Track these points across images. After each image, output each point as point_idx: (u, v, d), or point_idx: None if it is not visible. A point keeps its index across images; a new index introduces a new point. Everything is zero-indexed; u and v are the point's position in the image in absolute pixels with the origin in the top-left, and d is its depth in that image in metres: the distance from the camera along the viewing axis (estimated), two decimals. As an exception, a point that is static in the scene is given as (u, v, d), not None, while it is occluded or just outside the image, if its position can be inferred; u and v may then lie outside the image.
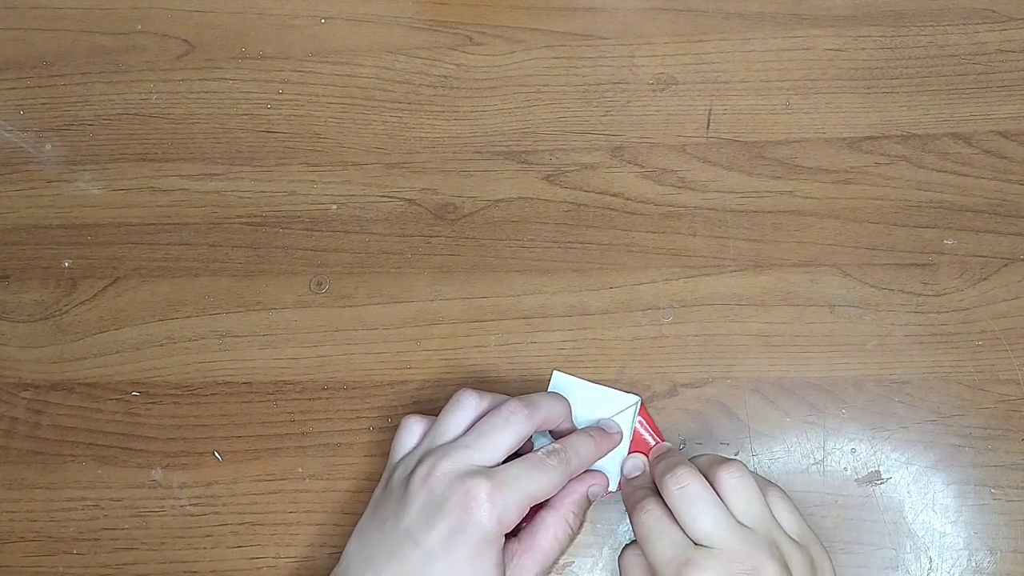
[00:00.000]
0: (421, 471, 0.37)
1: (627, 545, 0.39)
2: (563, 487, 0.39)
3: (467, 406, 0.39)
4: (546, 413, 0.40)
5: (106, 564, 0.46)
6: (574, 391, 0.44)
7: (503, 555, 0.37)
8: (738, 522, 0.36)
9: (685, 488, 0.37)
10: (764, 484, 0.39)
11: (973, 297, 0.45)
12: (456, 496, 0.36)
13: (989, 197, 0.47)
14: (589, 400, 0.44)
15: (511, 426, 0.38)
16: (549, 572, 0.40)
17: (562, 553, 0.40)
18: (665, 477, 0.38)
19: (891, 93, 0.49)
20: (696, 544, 0.36)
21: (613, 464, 0.43)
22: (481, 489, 0.36)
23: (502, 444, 0.38)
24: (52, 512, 0.47)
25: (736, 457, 0.44)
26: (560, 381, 0.45)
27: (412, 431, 0.41)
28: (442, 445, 0.38)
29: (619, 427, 0.43)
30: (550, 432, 0.42)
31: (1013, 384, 0.44)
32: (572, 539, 0.40)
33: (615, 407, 0.44)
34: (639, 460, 0.43)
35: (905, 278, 0.46)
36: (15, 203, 0.52)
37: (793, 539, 0.37)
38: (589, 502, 0.41)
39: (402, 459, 0.40)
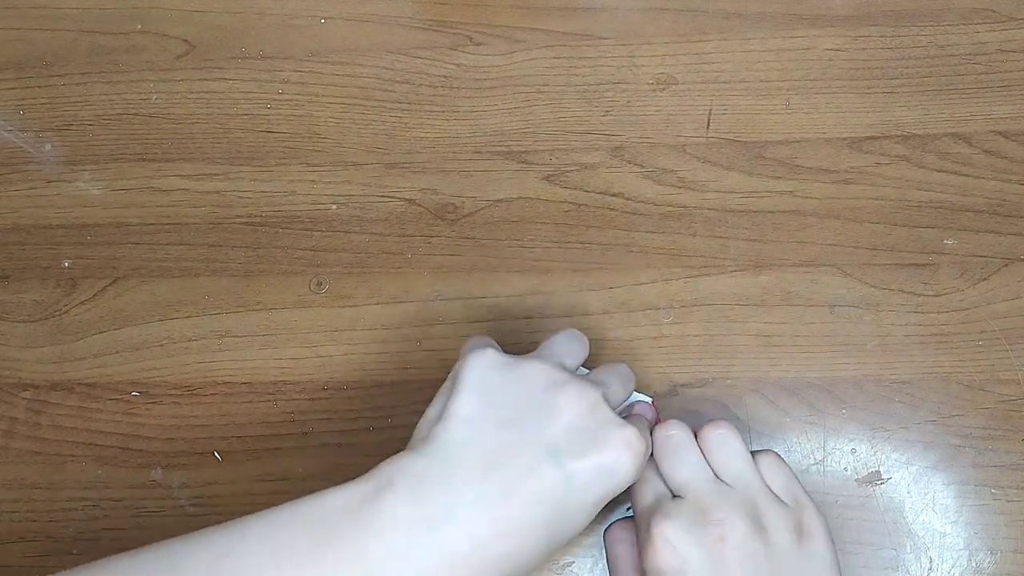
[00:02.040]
0: (585, 393, 0.35)
1: (613, 522, 0.40)
2: None
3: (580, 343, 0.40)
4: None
5: (106, 564, 0.46)
6: None
7: None
8: (716, 476, 0.36)
9: (670, 436, 0.37)
10: (758, 453, 0.38)
11: (973, 297, 0.45)
12: (616, 439, 0.34)
13: (989, 197, 0.47)
14: None
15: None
16: None
17: None
18: (656, 428, 0.38)
19: (891, 93, 0.49)
20: (673, 495, 0.36)
21: None
22: (640, 442, 0.34)
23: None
24: (52, 512, 0.47)
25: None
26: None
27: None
28: (595, 377, 0.39)
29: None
30: None
31: (1013, 384, 0.44)
32: None
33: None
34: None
35: (905, 278, 0.46)
36: (15, 203, 0.52)
37: (779, 499, 0.36)
38: None
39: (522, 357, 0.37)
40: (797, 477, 0.38)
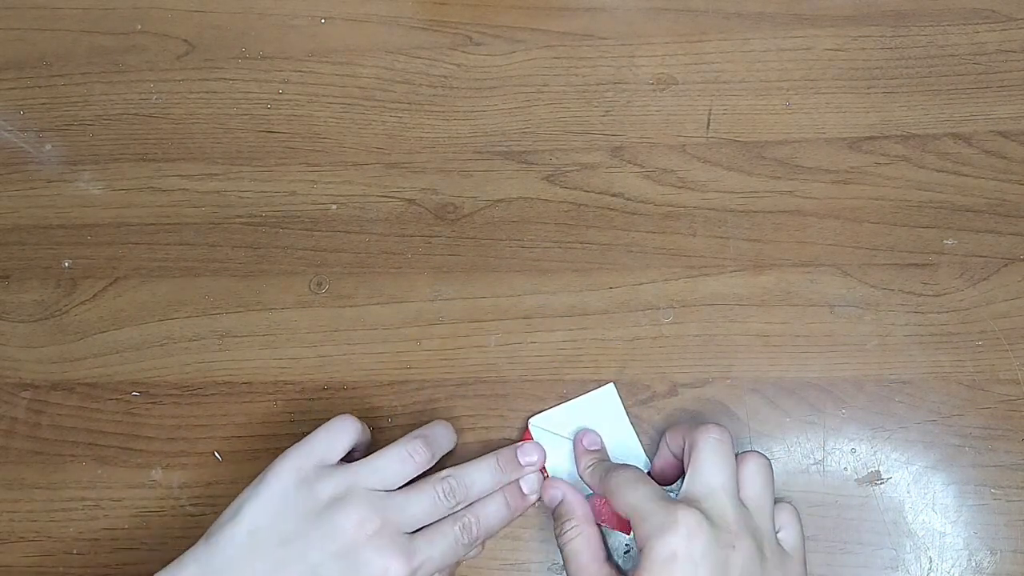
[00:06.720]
0: (348, 509, 0.37)
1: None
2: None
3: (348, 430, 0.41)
4: (441, 445, 0.42)
5: (106, 564, 0.46)
6: (555, 422, 0.44)
7: None
8: (740, 499, 0.37)
9: (723, 442, 0.38)
10: (778, 501, 0.39)
11: (973, 297, 0.45)
12: (375, 567, 0.37)
13: (989, 197, 0.47)
14: (573, 417, 0.44)
15: (411, 462, 0.40)
16: None
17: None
18: (709, 425, 0.38)
19: (891, 93, 0.49)
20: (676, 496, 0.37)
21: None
22: (397, 566, 0.37)
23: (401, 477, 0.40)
24: (52, 512, 0.47)
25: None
26: (538, 423, 0.45)
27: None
28: (355, 474, 0.39)
29: (534, 488, 0.43)
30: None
31: (1013, 384, 0.44)
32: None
33: (599, 405, 0.45)
34: (596, 436, 0.44)
35: (905, 278, 0.46)
36: (15, 203, 0.52)
37: (781, 545, 0.38)
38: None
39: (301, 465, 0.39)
40: (803, 532, 0.39)
